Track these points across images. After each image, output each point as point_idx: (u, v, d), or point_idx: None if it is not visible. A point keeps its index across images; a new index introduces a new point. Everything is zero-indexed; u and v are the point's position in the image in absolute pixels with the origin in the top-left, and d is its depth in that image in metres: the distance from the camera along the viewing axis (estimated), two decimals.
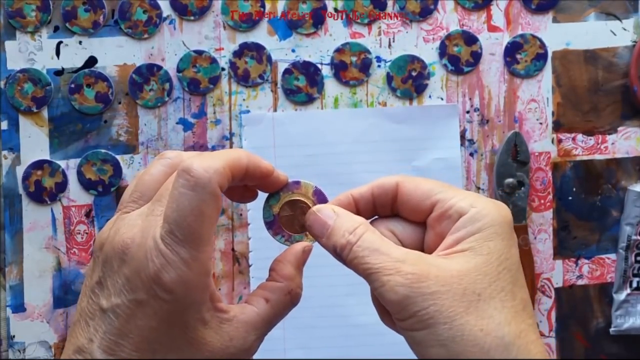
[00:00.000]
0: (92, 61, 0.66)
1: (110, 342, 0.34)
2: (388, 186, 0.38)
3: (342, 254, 0.36)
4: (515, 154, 0.66)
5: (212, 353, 0.35)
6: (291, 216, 0.41)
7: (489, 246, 0.34)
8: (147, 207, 0.36)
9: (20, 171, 0.65)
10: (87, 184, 0.66)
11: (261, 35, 0.66)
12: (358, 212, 0.39)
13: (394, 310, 0.34)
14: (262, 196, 0.42)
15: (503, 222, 0.35)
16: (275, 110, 0.67)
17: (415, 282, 0.33)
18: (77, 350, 0.34)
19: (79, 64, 0.66)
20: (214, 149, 0.66)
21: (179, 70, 0.66)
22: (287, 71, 0.66)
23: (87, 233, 0.66)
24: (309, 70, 0.66)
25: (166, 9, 0.66)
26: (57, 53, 0.66)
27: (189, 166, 0.34)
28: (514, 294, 0.33)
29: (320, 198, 0.41)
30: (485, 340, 0.32)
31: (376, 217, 0.40)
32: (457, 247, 0.35)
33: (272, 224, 0.41)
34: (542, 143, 0.67)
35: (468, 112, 0.67)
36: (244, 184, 0.39)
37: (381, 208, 0.39)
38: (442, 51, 0.66)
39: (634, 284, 0.66)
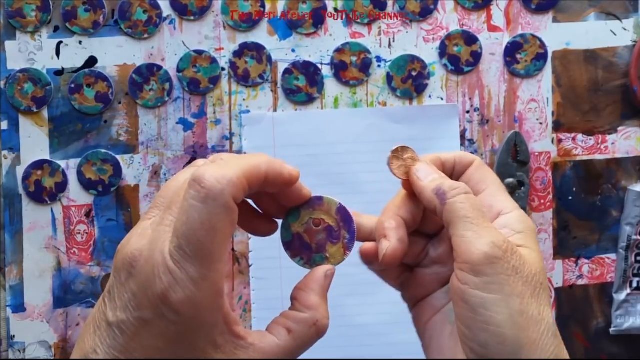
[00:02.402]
0: (92, 61, 0.66)
1: (114, 358, 0.32)
2: (466, 160, 0.41)
3: (448, 192, 0.37)
4: (515, 154, 0.66)
5: None
6: (400, 159, 0.39)
7: (536, 247, 0.37)
8: (159, 216, 0.34)
9: (20, 171, 0.65)
10: (87, 184, 0.66)
11: (261, 35, 0.66)
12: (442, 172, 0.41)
13: (480, 262, 0.34)
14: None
15: (535, 230, 0.39)
16: (275, 110, 0.67)
17: (507, 251, 0.35)
18: (83, 357, 0.33)
19: (79, 64, 0.66)
20: (213, 149, 0.66)
21: (179, 70, 0.66)
22: (287, 71, 0.66)
23: (87, 233, 0.66)
24: (309, 70, 0.66)
25: (166, 9, 0.66)
26: (57, 53, 0.66)
27: (201, 176, 0.31)
28: (548, 292, 0.37)
29: (344, 217, 0.38)
30: (542, 323, 0.34)
31: None
32: (513, 241, 0.37)
33: (291, 245, 0.38)
34: (542, 143, 0.67)
35: (468, 112, 0.67)
36: (264, 191, 0.36)
37: (455, 177, 0.41)
38: (442, 51, 0.66)
39: (634, 284, 0.66)
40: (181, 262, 0.31)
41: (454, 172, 0.41)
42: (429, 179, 0.38)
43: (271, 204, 0.38)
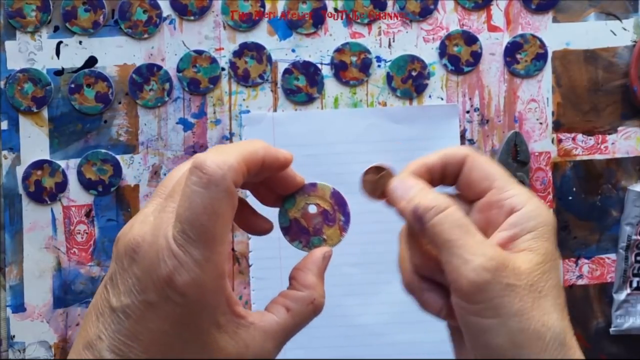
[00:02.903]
0: (92, 61, 0.66)
1: (120, 343, 0.32)
2: (458, 157, 0.38)
3: (425, 215, 0.35)
4: (515, 154, 0.66)
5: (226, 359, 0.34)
6: (374, 181, 0.39)
7: (544, 246, 0.35)
8: (160, 203, 0.34)
9: (20, 171, 0.65)
10: (87, 184, 0.66)
11: (261, 35, 0.66)
12: (431, 180, 0.39)
13: (469, 291, 0.33)
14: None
15: (554, 225, 0.36)
16: (275, 110, 0.67)
17: (497, 270, 0.33)
18: (87, 346, 0.33)
19: (79, 64, 0.66)
20: None
21: (179, 70, 0.66)
22: (287, 71, 0.66)
23: (87, 233, 0.66)
24: (309, 70, 0.66)
25: (166, 9, 0.66)
26: (57, 53, 0.66)
27: (202, 162, 0.32)
28: (560, 292, 0.36)
29: (339, 200, 0.39)
30: (546, 335, 0.33)
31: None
32: (515, 246, 0.36)
33: (289, 230, 0.39)
34: (542, 143, 0.67)
35: (468, 112, 0.67)
36: (261, 178, 0.37)
37: (448, 178, 0.39)
38: (442, 51, 0.66)
39: (634, 284, 0.66)
40: (185, 246, 0.31)
41: (446, 174, 0.39)
42: (405, 198, 0.37)
43: (268, 194, 0.39)
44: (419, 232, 0.36)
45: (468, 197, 0.39)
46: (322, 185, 0.39)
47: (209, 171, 0.32)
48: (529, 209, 0.36)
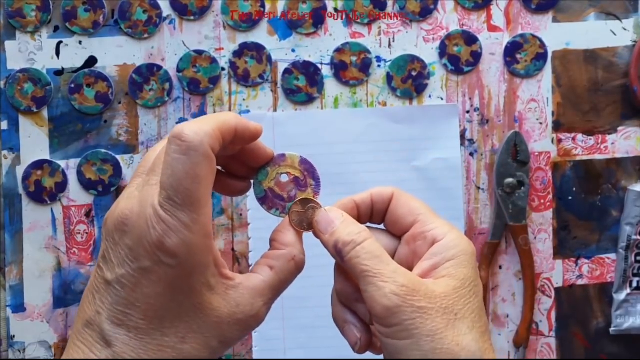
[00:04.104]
0: (92, 61, 0.66)
1: (118, 313, 0.34)
2: (385, 195, 0.41)
3: (343, 250, 0.38)
4: (515, 154, 0.66)
5: (219, 319, 0.35)
6: (302, 213, 0.41)
7: (463, 272, 0.37)
8: (142, 179, 0.36)
9: (20, 171, 0.65)
10: (87, 184, 0.66)
11: (261, 35, 0.66)
12: (359, 216, 0.41)
13: (383, 316, 0.35)
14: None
15: (472, 253, 0.39)
16: (275, 110, 0.67)
17: (408, 294, 0.35)
18: (86, 324, 0.35)
19: (79, 64, 0.66)
20: None
21: (179, 70, 0.66)
22: (287, 71, 0.66)
23: (87, 233, 0.66)
24: (309, 70, 0.66)
25: (166, 9, 0.66)
26: (57, 53, 0.66)
27: (180, 132, 0.34)
28: (480, 316, 0.37)
29: (307, 166, 0.41)
30: (460, 354, 0.35)
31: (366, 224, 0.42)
32: (436, 273, 0.38)
33: (265, 199, 0.42)
34: (542, 143, 0.67)
35: (468, 112, 0.67)
36: (235, 149, 0.40)
37: (377, 215, 0.42)
38: (442, 51, 0.66)
39: (634, 284, 0.66)
40: (172, 211, 0.33)
41: (374, 210, 0.41)
42: (328, 231, 0.39)
43: (241, 168, 0.42)
44: (341, 264, 0.39)
45: (395, 232, 0.41)
46: (290, 155, 0.42)
47: (187, 138, 0.34)
48: (449, 239, 0.38)
